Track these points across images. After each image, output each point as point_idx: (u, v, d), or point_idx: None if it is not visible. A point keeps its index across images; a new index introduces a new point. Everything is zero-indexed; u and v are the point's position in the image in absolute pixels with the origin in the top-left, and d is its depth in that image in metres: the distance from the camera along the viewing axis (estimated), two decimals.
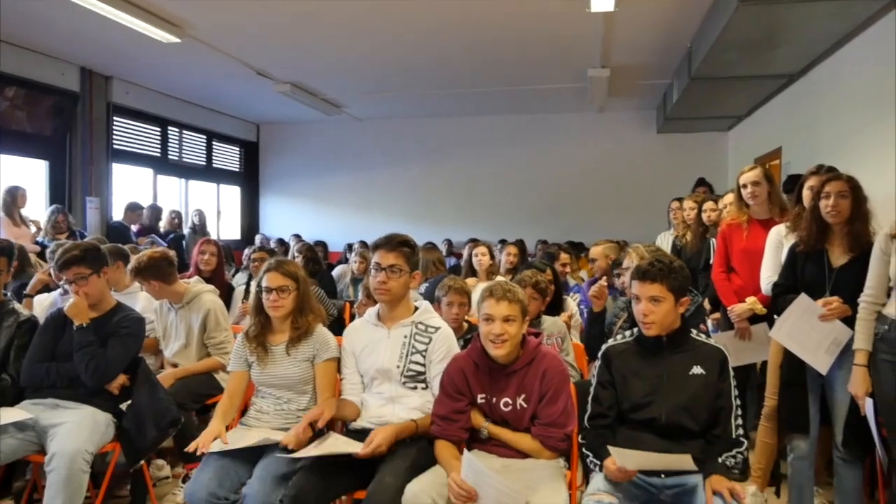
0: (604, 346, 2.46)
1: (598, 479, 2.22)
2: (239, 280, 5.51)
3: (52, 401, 2.84)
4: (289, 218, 11.12)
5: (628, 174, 9.86)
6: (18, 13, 5.57)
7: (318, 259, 5.84)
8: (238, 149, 11.01)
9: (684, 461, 2.11)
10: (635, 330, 2.40)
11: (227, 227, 10.75)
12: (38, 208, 6.74)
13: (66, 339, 2.97)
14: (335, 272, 6.98)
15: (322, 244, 8.90)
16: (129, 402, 2.92)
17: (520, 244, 8.10)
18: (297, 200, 11.21)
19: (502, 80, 8.01)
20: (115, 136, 7.94)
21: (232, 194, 11.01)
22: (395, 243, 2.54)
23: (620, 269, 3.73)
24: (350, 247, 9.06)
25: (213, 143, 10.28)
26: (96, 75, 7.46)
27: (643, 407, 2.28)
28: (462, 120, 10.33)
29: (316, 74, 7.78)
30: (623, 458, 2.10)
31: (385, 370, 2.55)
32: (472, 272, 5.20)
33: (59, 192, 7.27)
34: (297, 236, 9.94)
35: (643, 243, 3.68)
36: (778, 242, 3.24)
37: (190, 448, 2.40)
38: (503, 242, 8.88)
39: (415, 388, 2.54)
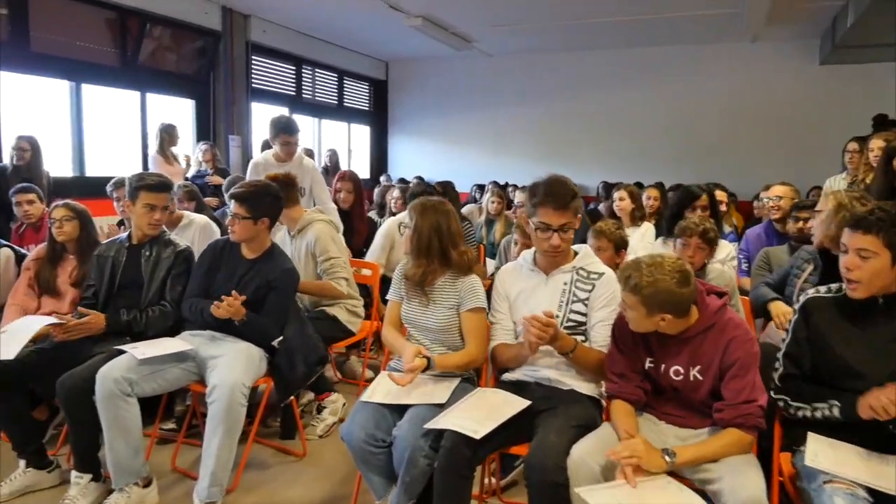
0: (803, 297, 2.13)
1: (818, 451, 1.90)
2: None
3: (210, 333, 2.90)
4: (416, 157, 11.09)
5: (785, 112, 8.92)
6: None
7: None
8: (367, 87, 11.02)
9: None
10: (843, 284, 2.06)
11: (356, 167, 10.89)
12: (186, 146, 7.04)
13: (225, 273, 3.01)
14: (463, 212, 6.87)
15: (449, 184, 8.79)
16: (280, 338, 2.94)
17: (660, 187, 7.68)
18: (425, 139, 11.13)
19: (646, 7, 7.38)
20: (253, 75, 8.11)
21: (362, 133, 11.10)
22: (568, 200, 2.27)
23: (807, 213, 3.35)
24: (481, 187, 8.90)
25: (345, 81, 10.33)
26: (236, 14, 7.60)
27: (849, 378, 1.95)
28: (598, 53, 9.72)
29: (448, 6, 7.51)
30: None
31: None
32: (615, 218, 4.87)
33: (205, 130, 7.57)
34: (420, 179, 9.91)
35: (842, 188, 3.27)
36: None
37: (405, 372, 2.31)
38: (638, 186, 8.45)
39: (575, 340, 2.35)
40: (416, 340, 2.56)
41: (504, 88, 10.39)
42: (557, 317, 2.33)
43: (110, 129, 6.58)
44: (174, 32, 7.08)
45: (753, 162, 8.86)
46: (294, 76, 9.10)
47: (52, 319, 2.85)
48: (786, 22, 7.80)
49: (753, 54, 9.02)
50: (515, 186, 8.61)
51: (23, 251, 3.81)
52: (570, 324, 2.34)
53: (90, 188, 5.98)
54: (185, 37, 7.23)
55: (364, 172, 11.02)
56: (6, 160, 5.19)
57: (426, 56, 10.42)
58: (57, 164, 5.98)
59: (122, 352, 2.71)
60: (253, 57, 8.05)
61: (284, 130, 4.35)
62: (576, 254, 2.42)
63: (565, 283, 2.37)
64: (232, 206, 2.95)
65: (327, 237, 3.52)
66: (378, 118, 11.25)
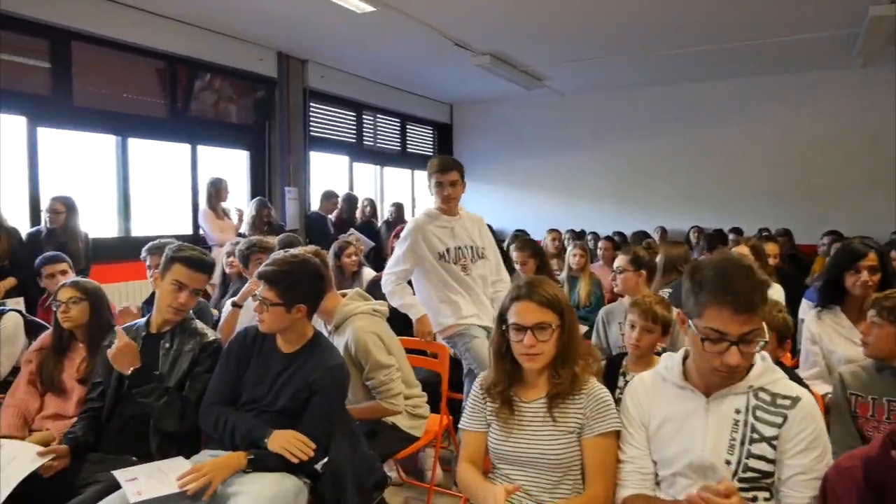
0: None
1: None
2: None
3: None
4: (485, 203, 10.35)
5: None
6: None
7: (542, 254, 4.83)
8: (431, 131, 10.49)
9: None
10: None
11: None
12: (239, 199, 6.57)
13: (255, 371, 2.36)
14: None
15: (528, 240, 8.06)
16: (325, 459, 2.24)
17: (786, 234, 6.74)
18: (493, 184, 10.42)
19: (743, 33, 6.55)
20: (311, 123, 7.66)
21: (425, 179, 10.51)
22: (756, 298, 1.52)
23: None
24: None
25: (408, 126, 9.82)
26: (293, 60, 7.18)
27: None
28: (683, 87, 8.88)
29: (517, 42, 6.89)
30: None
31: (704, 466, 1.58)
32: None
33: (259, 182, 7.11)
34: (489, 227, 9.21)
35: None
36: None
37: None
38: (736, 232, 7.49)
39: (754, 499, 1.55)
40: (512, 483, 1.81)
41: (578, 128, 9.64)
42: (729, 463, 1.54)
43: (159, 185, 6.16)
44: (227, 81, 6.69)
45: (869, 203, 7.77)
46: (354, 122, 8.63)
47: (37, 458, 2.22)
48: None
49: (864, 81, 7.98)
50: (596, 235, 7.80)
51: (37, 320, 3.32)
52: (750, 475, 1.55)
53: (136, 249, 5.48)
54: (238, 85, 6.84)
55: None
56: (42, 223, 4.78)
57: (493, 96, 9.82)
58: (101, 225, 5.58)
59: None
60: (311, 104, 7.61)
61: (437, 170, 3.46)
62: (750, 366, 1.62)
63: (738, 412, 1.58)
64: (260, 289, 2.30)
65: (371, 337, 2.72)
66: None
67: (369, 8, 5.25)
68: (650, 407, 1.71)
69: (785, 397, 1.57)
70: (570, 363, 1.78)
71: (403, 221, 7.93)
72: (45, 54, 5.08)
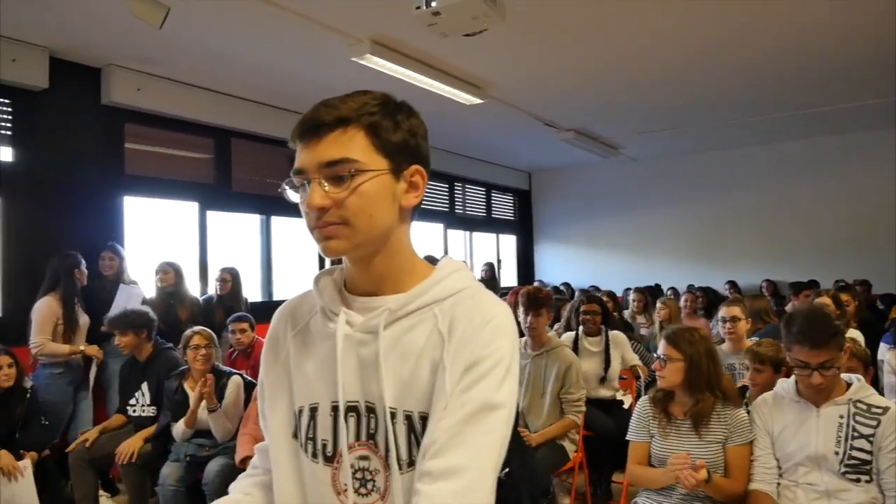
0: None
1: None
2: None
3: None
4: (563, 263, 11.09)
5: None
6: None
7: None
8: (512, 198, 11.33)
9: None
10: None
11: (505, 276, 11.04)
12: None
13: None
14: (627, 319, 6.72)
15: (595, 289, 8.66)
16: (507, 470, 2.89)
17: (865, 284, 7.16)
18: (571, 245, 11.14)
19: (800, 103, 7.16)
20: None
21: (508, 243, 11.32)
22: (826, 339, 2.15)
23: None
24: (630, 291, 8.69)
25: (492, 194, 10.68)
26: None
27: None
28: (747, 150, 9.49)
29: (600, 118, 7.68)
30: None
31: (818, 456, 2.20)
32: None
33: None
34: (567, 285, 9.84)
35: None
36: None
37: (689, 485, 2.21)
38: (813, 284, 7.91)
39: (857, 480, 2.15)
40: None
41: (651, 191, 10.30)
42: (837, 454, 2.16)
43: (293, 256, 7.10)
44: None
45: None
46: (447, 193, 9.54)
47: None
48: None
49: None
50: (675, 290, 8.33)
51: (247, 377, 4.08)
52: (853, 461, 2.16)
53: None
54: None
55: (511, 280, 11.13)
56: (211, 290, 5.69)
57: (569, 164, 10.61)
58: (248, 291, 6.49)
59: None
60: None
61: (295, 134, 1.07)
62: (848, 385, 2.25)
63: (842, 417, 2.21)
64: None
65: (579, 367, 3.55)
66: (523, 227, 11.46)
67: (478, 101, 6.12)
68: (772, 417, 2.34)
69: (878, 407, 2.19)
70: (700, 390, 2.42)
71: (495, 280, 8.69)
72: (212, 149, 6.13)
